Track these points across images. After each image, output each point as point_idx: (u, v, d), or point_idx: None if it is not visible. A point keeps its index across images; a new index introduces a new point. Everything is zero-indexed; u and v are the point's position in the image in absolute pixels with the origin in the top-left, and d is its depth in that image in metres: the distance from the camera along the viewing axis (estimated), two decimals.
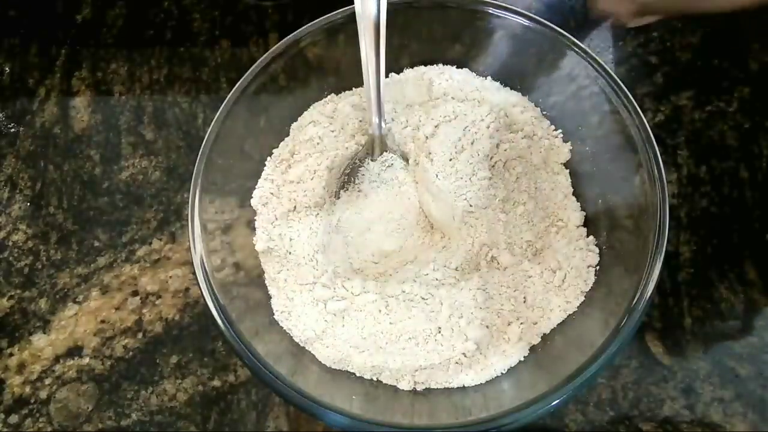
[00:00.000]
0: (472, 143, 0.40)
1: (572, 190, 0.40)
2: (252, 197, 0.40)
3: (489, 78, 0.43)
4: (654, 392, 0.38)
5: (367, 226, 0.40)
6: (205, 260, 0.34)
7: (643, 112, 0.36)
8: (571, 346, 0.34)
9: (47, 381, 0.40)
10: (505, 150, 0.40)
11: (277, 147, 0.42)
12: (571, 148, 0.41)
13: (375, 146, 0.40)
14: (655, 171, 0.34)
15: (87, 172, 0.46)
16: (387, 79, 0.42)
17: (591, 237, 0.38)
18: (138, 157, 0.46)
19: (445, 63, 0.43)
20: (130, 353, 0.40)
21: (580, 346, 0.33)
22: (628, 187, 0.36)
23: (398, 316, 0.36)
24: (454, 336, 0.35)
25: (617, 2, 0.45)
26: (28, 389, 0.40)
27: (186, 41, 0.50)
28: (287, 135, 0.42)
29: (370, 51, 0.32)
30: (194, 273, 0.34)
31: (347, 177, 0.41)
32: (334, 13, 0.39)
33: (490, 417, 0.31)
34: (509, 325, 0.36)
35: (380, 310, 0.36)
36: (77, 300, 0.42)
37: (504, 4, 0.39)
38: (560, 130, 0.41)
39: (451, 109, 0.41)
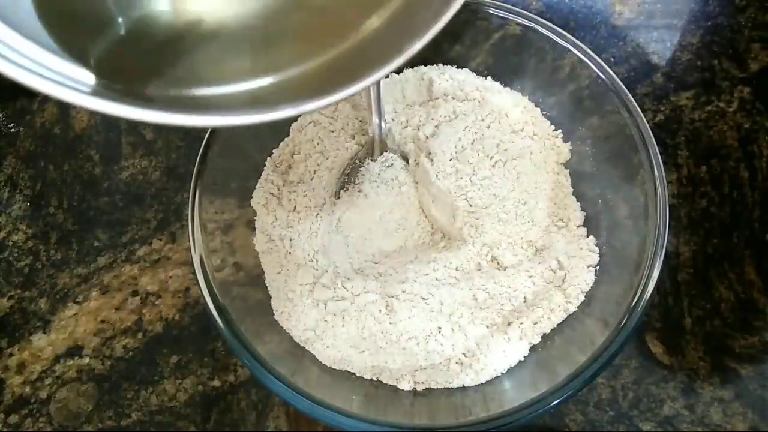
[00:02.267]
0: (472, 143, 0.40)
1: (572, 190, 0.40)
2: (252, 197, 0.40)
3: (489, 78, 0.43)
4: (654, 392, 0.38)
5: (367, 226, 0.40)
6: (205, 260, 0.34)
7: (643, 112, 0.36)
8: (571, 345, 0.34)
9: (47, 381, 0.40)
10: (506, 150, 0.40)
11: (277, 147, 0.42)
12: (571, 148, 0.41)
13: (375, 146, 0.40)
14: (655, 171, 0.34)
15: (87, 172, 0.46)
16: (387, 79, 0.42)
17: (591, 237, 0.38)
18: (138, 157, 0.46)
19: (445, 63, 0.43)
20: (130, 353, 0.40)
21: (580, 346, 0.33)
22: (628, 187, 0.36)
23: (398, 316, 0.36)
24: (455, 336, 0.35)
25: None
26: (28, 389, 0.40)
27: None
28: (287, 135, 0.42)
29: None
30: (194, 273, 0.34)
31: (347, 177, 0.41)
32: None
33: (490, 417, 0.31)
34: (509, 324, 0.36)
35: (380, 310, 0.36)
36: (77, 300, 0.42)
37: (504, 4, 0.39)
38: (560, 130, 0.41)
39: (451, 109, 0.41)
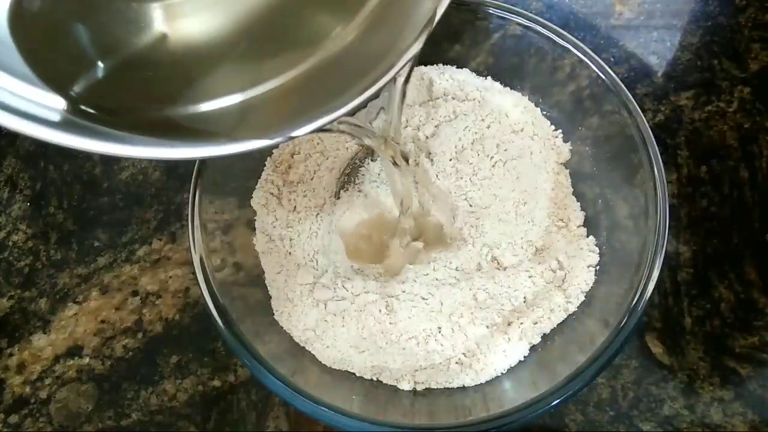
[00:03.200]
0: (472, 143, 0.40)
1: (572, 190, 0.40)
2: (252, 197, 0.40)
3: (489, 78, 0.43)
4: (654, 392, 0.38)
5: None
6: (205, 260, 0.34)
7: (643, 112, 0.36)
8: (571, 345, 0.34)
9: (47, 381, 0.40)
10: (506, 150, 0.40)
11: (277, 147, 0.42)
12: (571, 148, 0.41)
13: None
14: (655, 171, 0.34)
15: (87, 172, 0.46)
16: None
17: (591, 237, 0.38)
18: None
19: (445, 63, 0.43)
20: (130, 353, 0.40)
21: (580, 346, 0.33)
22: (628, 187, 0.36)
23: (398, 316, 0.36)
24: (455, 336, 0.35)
25: None
26: (28, 389, 0.40)
27: None
28: None
29: None
30: (194, 273, 0.34)
31: (347, 177, 0.41)
32: None
33: (490, 417, 0.31)
34: (509, 324, 0.36)
35: (380, 310, 0.36)
36: (77, 300, 0.42)
37: (504, 4, 0.39)
38: (560, 130, 0.41)
39: (451, 109, 0.41)
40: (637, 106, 0.36)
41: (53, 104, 0.20)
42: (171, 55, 0.24)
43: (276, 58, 0.24)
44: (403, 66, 0.23)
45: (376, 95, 0.23)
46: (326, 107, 0.22)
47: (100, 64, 0.22)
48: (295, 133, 0.22)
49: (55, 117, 0.20)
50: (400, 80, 0.26)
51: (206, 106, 0.23)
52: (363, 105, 0.23)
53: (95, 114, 0.21)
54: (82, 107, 0.20)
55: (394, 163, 0.32)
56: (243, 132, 0.22)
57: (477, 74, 0.43)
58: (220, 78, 0.24)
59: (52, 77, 0.20)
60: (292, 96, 0.24)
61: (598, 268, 0.37)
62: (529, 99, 0.42)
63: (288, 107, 0.24)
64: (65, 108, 0.20)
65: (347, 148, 0.42)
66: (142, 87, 0.23)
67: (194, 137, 0.22)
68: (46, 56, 0.21)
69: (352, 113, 0.23)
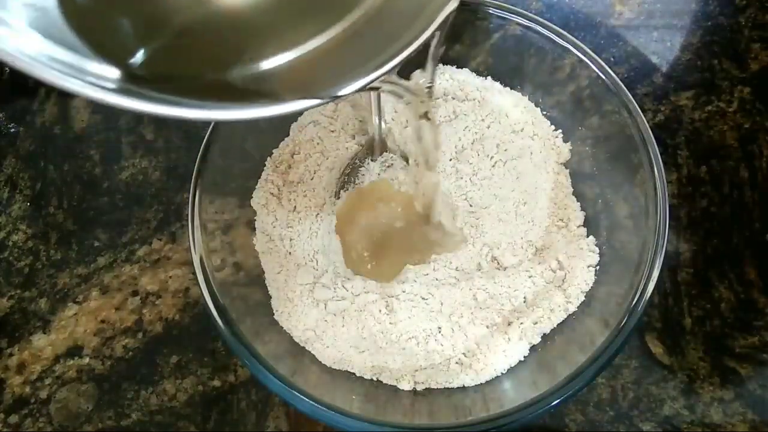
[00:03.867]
0: (472, 143, 0.40)
1: (572, 190, 0.40)
2: (252, 197, 0.40)
3: (489, 78, 0.43)
4: (654, 392, 0.38)
5: None
6: (205, 260, 0.34)
7: (643, 112, 0.36)
8: (571, 345, 0.34)
9: (47, 381, 0.40)
10: (506, 150, 0.40)
11: (277, 147, 0.42)
12: (571, 148, 0.41)
13: (375, 146, 0.40)
14: (655, 171, 0.34)
15: (87, 172, 0.46)
16: None
17: (591, 237, 0.38)
18: (138, 157, 0.46)
19: (445, 63, 0.43)
20: (130, 353, 0.40)
21: (580, 346, 0.33)
22: (628, 187, 0.36)
23: (398, 316, 0.36)
24: (455, 336, 0.35)
25: None
26: (28, 389, 0.40)
27: None
28: (287, 135, 0.42)
29: None
30: (194, 273, 0.34)
31: (347, 177, 0.41)
32: None
33: (490, 417, 0.31)
34: (509, 324, 0.36)
35: (380, 310, 0.36)
36: (77, 300, 0.42)
37: (504, 4, 0.39)
38: (560, 130, 0.41)
39: (451, 109, 0.41)
40: (637, 106, 0.36)
41: (107, 74, 0.20)
42: (216, 21, 0.24)
43: (316, 17, 0.25)
44: (442, 23, 0.23)
45: (415, 53, 0.23)
46: (370, 65, 0.22)
47: (150, 33, 0.23)
48: (342, 92, 0.22)
49: (111, 85, 0.20)
50: (434, 42, 0.27)
51: (254, 69, 0.23)
52: (402, 63, 0.23)
53: (149, 81, 0.21)
54: (136, 75, 0.21)
55: (427, 118, 0.32)
56: (291, 92, 0.23)
57: (477, 74, 0.43)
58: (265, 40, 0.24)
59: (104, 49, 0.21)
60: (335, 56, 0.24)
61: (598, 268, 0.37)
62: (529, 99, 0.42)
63: (332, 66, 0.24)
64: (119, 77, 0.21)
65: (347, 148, 0.42)
66: (191, 53, 0.23)
67: (244, 99, 0.22)
68: (96, 28, 0.21)
69: (394, 71, 0.23)
